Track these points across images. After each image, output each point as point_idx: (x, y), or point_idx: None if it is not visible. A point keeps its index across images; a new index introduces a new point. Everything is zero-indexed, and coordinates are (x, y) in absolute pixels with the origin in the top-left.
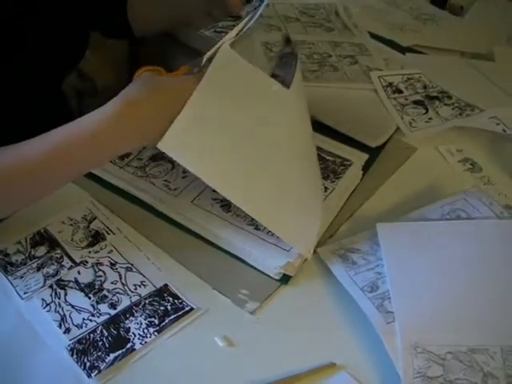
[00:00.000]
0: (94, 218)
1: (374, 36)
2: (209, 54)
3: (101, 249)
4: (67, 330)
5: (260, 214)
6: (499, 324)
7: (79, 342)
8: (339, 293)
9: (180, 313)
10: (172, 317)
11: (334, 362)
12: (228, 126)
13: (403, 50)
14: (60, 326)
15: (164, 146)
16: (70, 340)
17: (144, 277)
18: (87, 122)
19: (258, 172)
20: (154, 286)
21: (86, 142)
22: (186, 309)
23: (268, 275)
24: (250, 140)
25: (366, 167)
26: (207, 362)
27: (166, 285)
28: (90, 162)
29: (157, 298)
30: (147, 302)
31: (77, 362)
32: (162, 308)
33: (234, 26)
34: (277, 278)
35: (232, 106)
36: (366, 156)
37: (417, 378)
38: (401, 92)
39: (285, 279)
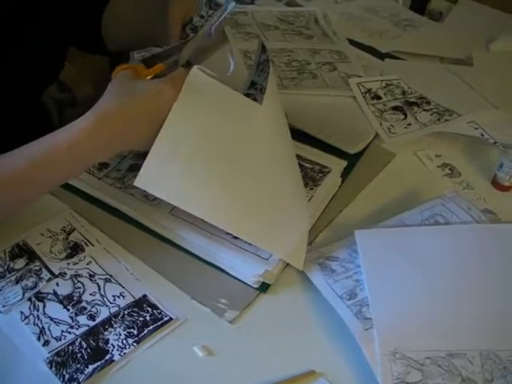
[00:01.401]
0: (73, 230)
1: (353, 43)
2: (183, 52)
3: (80, 260)
4: (46, 343)
5: (250, 235)
6: (477, 328)
7: (58, 354)
8: (318, 300)
9: (159, 323)
10: (151, 327)
11: (314, 369)
12: (203, 150)
13: (382, 56)
14: (39, 338)
15: (140, 182)
16: (49, 352)
17: (123, 288)
18: (64, 133)
19: (242, 192)
20: (133, 297)
21: (63, 152)
22: (165, 319)
23: (247, 284)
24: (229, 160)
25: (344, 174)
26: (187, 372)
27: (145, 295)
28: (68, 172)
29: (136, 309)
30: (126, 312)
31: (56, 375)
32: (141, 319)
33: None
34: (255, 286)
35: (207, 129)
36: (344, 163)
37: (396, 383)
38: (379, 98)
39: (264, 288)
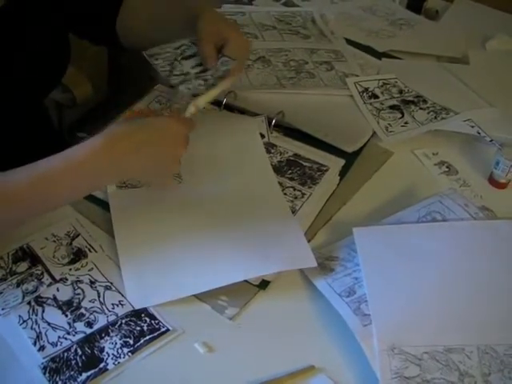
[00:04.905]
0: (77, 235)
1: (350, 42)
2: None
3: (82, 266)
4: (42, 348)
5: (254, 272)
6: (475, 323)
7: (53, 360)
8: (317, 297)
9: (155, 334)
10: (147, 337)
11: (313, 364)
12: (161, 235)
13: (379, 55)
14: (35, 343)
15: (137, 305)
16: (44, 358)
17: (122, 296)
18: (73, 155)
19: (224, 239)
20: (132, 306)
21: (71, 170)
22: (162, 330)
23: (247, 281)
24: (198, 225)
25: (342, 172)
26: (188, 369)
27: None
28: (72, 190)
29: (134, 318)
30: (124, 321)
31: (49, 381)
32: (138, 328)
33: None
34: (255, 283)
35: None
36: (342, 161)
37: (394, 378)
38: (377, 97)
39: (263, 285)
